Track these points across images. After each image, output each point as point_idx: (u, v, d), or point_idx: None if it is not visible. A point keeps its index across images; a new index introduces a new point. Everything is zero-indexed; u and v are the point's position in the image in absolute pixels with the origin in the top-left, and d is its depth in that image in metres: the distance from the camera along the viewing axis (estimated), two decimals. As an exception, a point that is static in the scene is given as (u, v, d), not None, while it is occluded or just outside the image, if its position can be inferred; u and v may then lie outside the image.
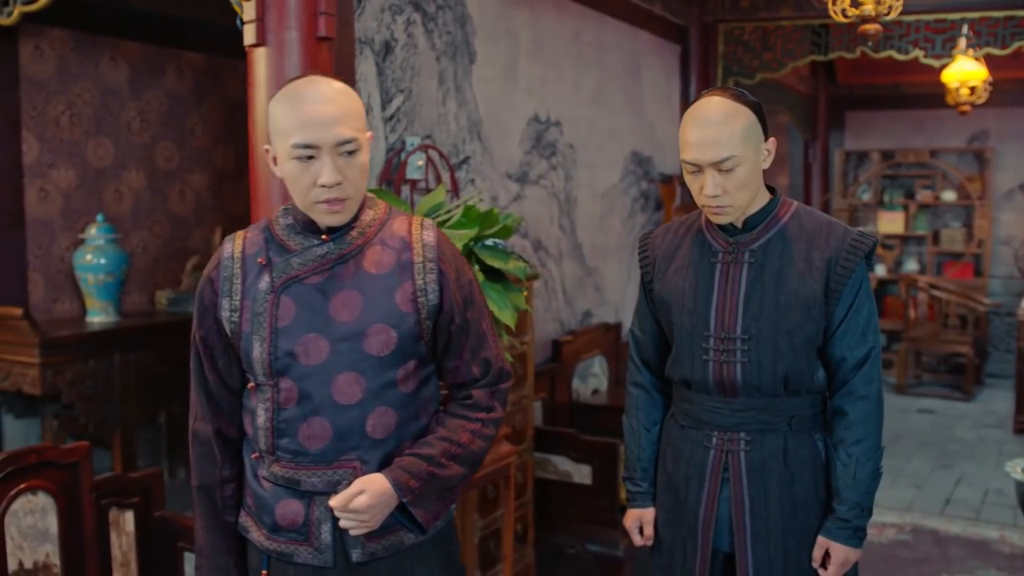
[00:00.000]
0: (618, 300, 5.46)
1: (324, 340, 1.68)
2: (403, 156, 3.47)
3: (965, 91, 6.06)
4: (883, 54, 5.63)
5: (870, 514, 1.98)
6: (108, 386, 4.09)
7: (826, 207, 8.96)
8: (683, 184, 5.84)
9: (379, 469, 1.69)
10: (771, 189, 2.04)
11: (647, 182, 5.77)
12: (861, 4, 3.68)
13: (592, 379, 4.87)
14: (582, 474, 3.82)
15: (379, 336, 1.68)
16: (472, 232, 2.69)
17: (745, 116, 1.89)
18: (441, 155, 3.70)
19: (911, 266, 8.99)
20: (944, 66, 5.75)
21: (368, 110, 3.36)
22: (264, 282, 1.71)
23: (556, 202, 4.73)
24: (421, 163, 3.54)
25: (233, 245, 1.77)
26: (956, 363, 8.22)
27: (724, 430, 2.00)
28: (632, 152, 5.55)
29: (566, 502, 3.86)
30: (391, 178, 3.43)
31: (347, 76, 3.18)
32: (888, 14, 3.69)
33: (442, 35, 3.77)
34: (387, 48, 3.45)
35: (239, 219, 5.24)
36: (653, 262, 2.12)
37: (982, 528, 4.68)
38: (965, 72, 5.84)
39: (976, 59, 5.63)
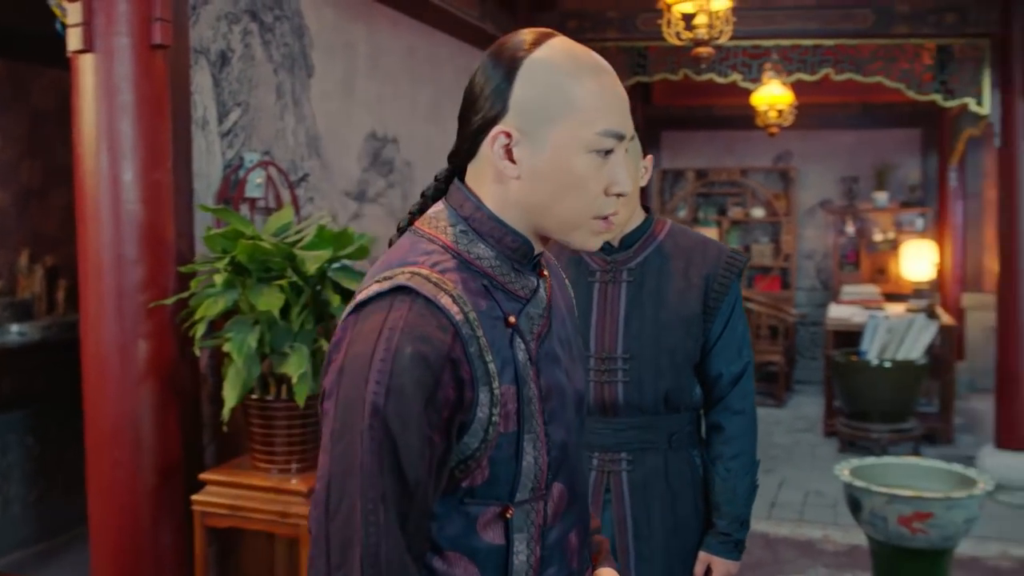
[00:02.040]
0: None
1: (573, 415, 1.22)
2: (242, 173, 3.29)
3: (773, 113, 6.46)
4: (705, 77, 5.88)
5: (748, 527, 2.01)
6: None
7: (645, 224, 9.25)
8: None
9: None
10: (645, 208, 2.04)
11: (481, 200, 5.75)
12: (695, 27, 3.81)
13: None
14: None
15: (584, 393, 1.30)
16: (327, 254, 2.57)
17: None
18: (281, 172, 3.54)
19: (724, 279, 9.41)
20: (755, 89, 6.07)
21: (204, 124, 3.16)
22: (521, 352, 1.14)
23: (394, 221, 4.63)
24: (261, 180, 3.37)
25: (454, 299, 1.08)
26: (769, 371, 8.66)
27: (605, 450, 1.98)
28: (467, 170, 5.52)
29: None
30: (229, 196, 3.24)
31: (182, 87, 2.98)
32: (719, 37, 3.84)
33: (280, 47, 3.61)
34: (223, 59, 3.26)
35: (49, 239, 4.84)
36: (527, 282, 2.07)
37: (807, 528, 4.92)
38: (773, 96, 6.23)
39: (785, 84, 5.98)
